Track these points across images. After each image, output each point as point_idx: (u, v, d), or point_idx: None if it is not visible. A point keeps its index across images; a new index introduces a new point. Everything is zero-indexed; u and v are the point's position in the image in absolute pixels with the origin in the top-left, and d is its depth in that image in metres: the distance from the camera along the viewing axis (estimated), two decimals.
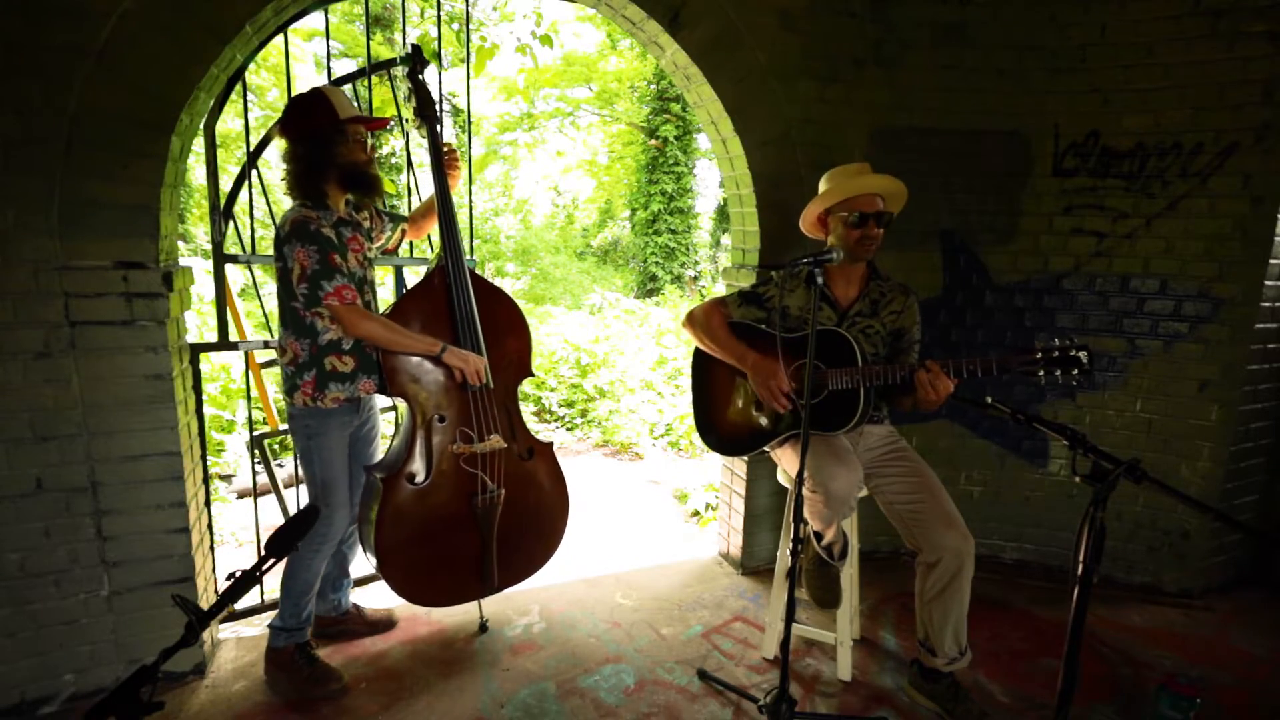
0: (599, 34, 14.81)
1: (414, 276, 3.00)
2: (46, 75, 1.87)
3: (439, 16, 3.27)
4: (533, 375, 2.67)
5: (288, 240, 2.09)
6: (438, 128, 2.44)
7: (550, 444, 2.60)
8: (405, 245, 2.76)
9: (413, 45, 2.45)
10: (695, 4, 2.57)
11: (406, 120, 2.58)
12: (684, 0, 2.56)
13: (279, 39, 2.45)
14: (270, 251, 2.23)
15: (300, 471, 2.34)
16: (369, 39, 2.83)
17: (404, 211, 2.61)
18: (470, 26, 5.79)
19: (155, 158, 2.02)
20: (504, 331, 2.48)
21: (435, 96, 2.50)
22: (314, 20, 4.44)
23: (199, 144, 2.38)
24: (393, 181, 8.88)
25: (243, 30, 2.08)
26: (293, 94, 2.26)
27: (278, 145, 2.30)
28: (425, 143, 2.42)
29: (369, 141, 2.24)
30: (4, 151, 1.87)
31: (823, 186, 2.29)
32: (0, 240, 1.90)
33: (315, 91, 2.16)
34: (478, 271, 2.51)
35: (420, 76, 2.45)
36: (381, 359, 2.26)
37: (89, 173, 1.95)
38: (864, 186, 2.18)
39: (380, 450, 2.54)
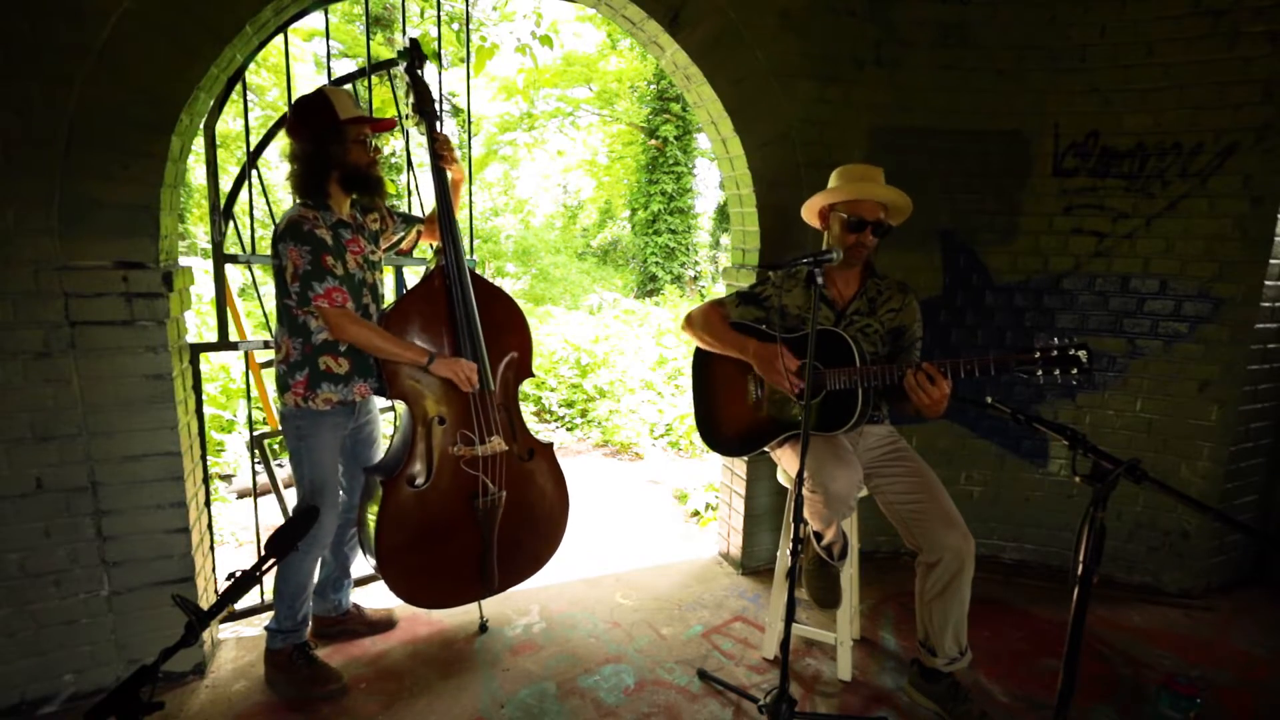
0: (599, 34, 14.81)
1: (413, 276, 3.00)
2: (46, 75, 1.87)
3: (439, 16, 3.27)
4: (533, 375, 2.66)
5: (282, 238, 2.10)
6: (437, 124, 2.41)
7: (550, 445, 2.60)
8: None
9: (411, 40, 2.43)
10: (695, 4, 2.57)
11: (406, 117, 2.56)
12: (684, 0, 2.56)
13: (279, 39, 2.44)
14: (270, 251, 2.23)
15: (291, 472, 2.35)
16: (369, 39, 2.82)
17: (404, 211, 2.59)
18: (470, 26, 5.79)
19: (155, 158, 2.02)
20: (504, 332, 2.47)
21: (435, 95, 2.49)
22: (314, 20, 4.46)
23: (199, 144, 2.38)
24: (393, 182, 8.86)
25: (243, 30, 2.08)
26: (293, 94, 2.26)
27: (279, 145, 2.29)
28: (425, 140, 2.40)
29: (372, 142, 2.22)
30: (4, 151, 1.87)
31: (833, 182, 2.29)
32: (0, 240, 1.90)
33: (318, 92, 2.17)
34: (478, 271, 2.49)
35: (419, 72, 2.43)
36: (379, 361, 2.25)
37: (89, 173, 1.95)
38: (871, 193, 2.18)
39: (381, 450, 2.53)
